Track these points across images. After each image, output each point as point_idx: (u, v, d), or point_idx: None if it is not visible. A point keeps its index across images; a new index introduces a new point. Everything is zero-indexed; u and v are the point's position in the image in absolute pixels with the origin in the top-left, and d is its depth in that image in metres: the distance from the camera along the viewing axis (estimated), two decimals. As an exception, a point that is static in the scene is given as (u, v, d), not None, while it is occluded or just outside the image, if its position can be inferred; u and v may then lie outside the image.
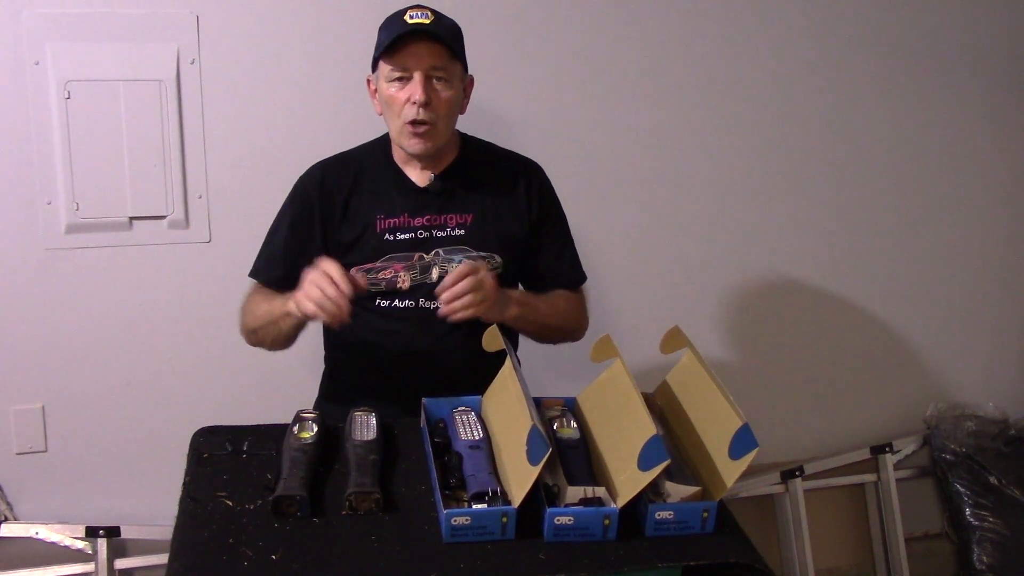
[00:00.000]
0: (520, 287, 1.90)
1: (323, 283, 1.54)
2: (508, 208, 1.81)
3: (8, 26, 2.06)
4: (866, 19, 2.60)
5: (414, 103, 1.66)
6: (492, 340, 1.63)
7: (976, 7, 2.68)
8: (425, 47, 1.65)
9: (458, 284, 1.59)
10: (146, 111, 2.16)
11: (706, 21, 2.49)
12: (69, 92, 2.11)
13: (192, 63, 2.18)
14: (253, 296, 1.81)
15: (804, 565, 2.68)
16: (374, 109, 1.79)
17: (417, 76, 1.66)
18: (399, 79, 1.67)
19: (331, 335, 1.87)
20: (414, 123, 1.67)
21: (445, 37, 1.66)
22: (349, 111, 2.25)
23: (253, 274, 1.84)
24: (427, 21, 1.65)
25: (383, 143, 1.83)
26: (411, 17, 1.66)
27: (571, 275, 1.91)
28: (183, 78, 2.18)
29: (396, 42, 1.64)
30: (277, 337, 1.76)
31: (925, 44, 2.67)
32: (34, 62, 2.09)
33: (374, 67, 1.74)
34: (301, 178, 1.83)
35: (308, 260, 1.65)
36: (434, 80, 1.67)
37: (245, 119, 2.24)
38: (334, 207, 1.77)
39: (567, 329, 1.89)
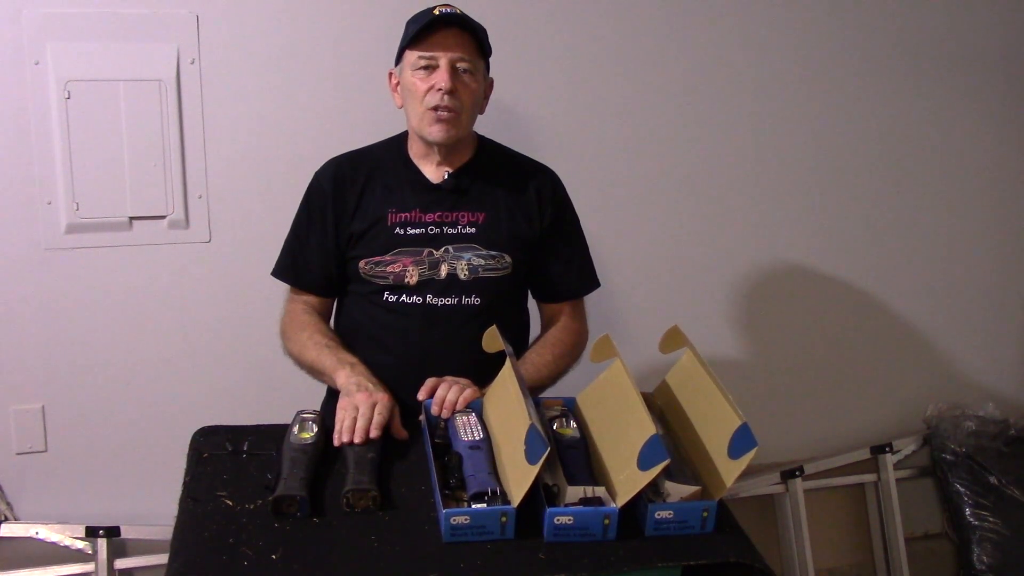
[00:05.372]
0: (529, 292, 1.91)
1: (362, 412, 1.54)
2: (520, 209, 1.80)
3: (8, 26, 2.06)
4: (866, 20, 2.61)
5: (439, 90, 1.67)
6: (492, 341, 1.63)
7: (975, 5, 2.69)
8: (454, 36, 1.68)
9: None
10: (146, 111, 2.16)
11: (707, 22, 2.49)
12: (69, 92, 2.11)
13: (192, 63, 2.18)
14: (300, 319, 1.82)
15: (804, 565, 2.68)
16: (394, 103, 1.79)
17: (444, 64, 1.67)
18: (425, 67, 1.69)
19: (338, 329, 1.87)
20: (437, 108, 1.68)
21: (474, 27, 1.69)
22: (349, 111, 2.25)
23: (277, 274, 1.86)
24: (456, 13, 1.69)
25: (398, 141, 1.84)
26: (440, 11, 1.68)
27: (579, 282, 1.89)
28: (183, 78, 2.18)
29: (425, 29, 1.67)
30: (313, 376, 1.80)
31: (926, 42, 2.67)
32: (34, 62, 2.09)
33: (398, 59, 1.75)
34: (315, 175, 1.84)
35: (335, 256, 1.77)
36: (460, 71, 1.69)
37: (245, 119, 2.24)
38: (347, 200, 1.78)
39: (564, 370, 1.87)
